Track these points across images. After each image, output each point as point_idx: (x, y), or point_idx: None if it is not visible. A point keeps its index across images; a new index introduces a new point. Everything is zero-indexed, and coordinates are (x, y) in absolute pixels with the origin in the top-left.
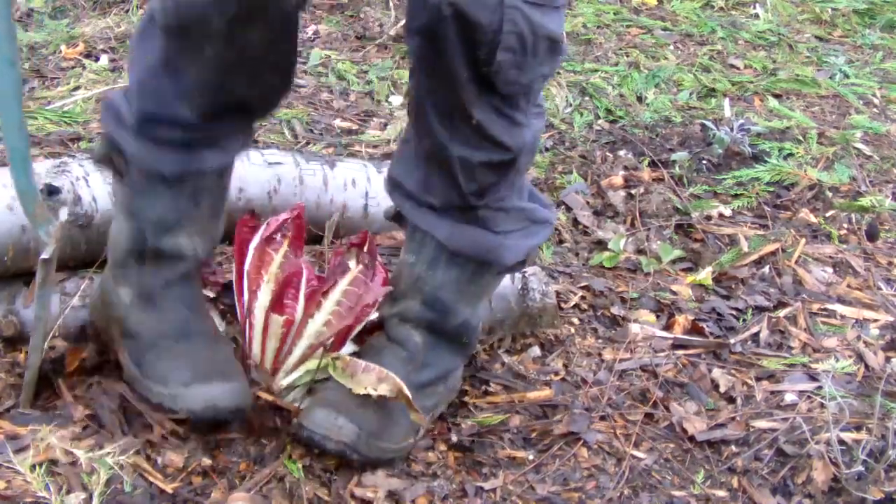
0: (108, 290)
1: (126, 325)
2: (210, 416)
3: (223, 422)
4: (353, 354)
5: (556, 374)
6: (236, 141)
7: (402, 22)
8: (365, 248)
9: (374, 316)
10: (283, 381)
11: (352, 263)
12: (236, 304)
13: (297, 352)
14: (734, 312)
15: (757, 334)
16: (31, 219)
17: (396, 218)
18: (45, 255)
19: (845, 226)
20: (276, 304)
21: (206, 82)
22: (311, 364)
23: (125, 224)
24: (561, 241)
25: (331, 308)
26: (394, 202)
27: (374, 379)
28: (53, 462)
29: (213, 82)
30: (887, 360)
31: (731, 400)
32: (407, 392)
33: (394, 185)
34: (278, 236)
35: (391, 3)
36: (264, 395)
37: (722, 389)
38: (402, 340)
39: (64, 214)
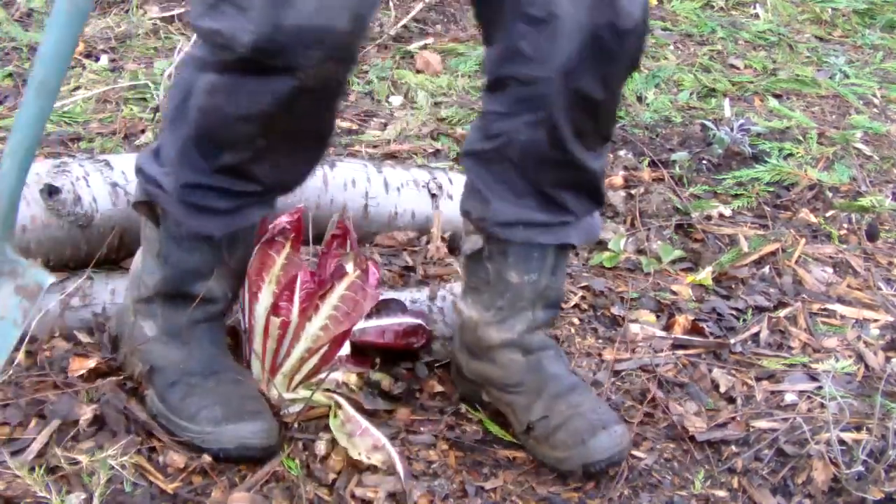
0: (129, 323)
1: (149, 357)
2: (242, 456)
3: (253, 459)
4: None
5: None
6: (280, 194)
7: (402, 23)
8: (347, 240)
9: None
10: (286, 394)
11: (349, 267)
12: (239, 305)
13: (295, 354)
14: (734, 312)
15: (757, 334)
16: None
17: (477, 254)
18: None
19: (845, 226)
20: (276, 306)
21: (253, 155)
22: (310, 391)
23: (155, 267)
24: None
25: (328, 312)
26: (501, 238)
27: (369, 445)
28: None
29: (260, 151)
30: (887, 360)
31: (731, 400)
32: (399, 467)
33: (505, 225)
34: (280, 239)
35: (391, 3)
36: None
37: (722, 389)
38: (544, 346)
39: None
